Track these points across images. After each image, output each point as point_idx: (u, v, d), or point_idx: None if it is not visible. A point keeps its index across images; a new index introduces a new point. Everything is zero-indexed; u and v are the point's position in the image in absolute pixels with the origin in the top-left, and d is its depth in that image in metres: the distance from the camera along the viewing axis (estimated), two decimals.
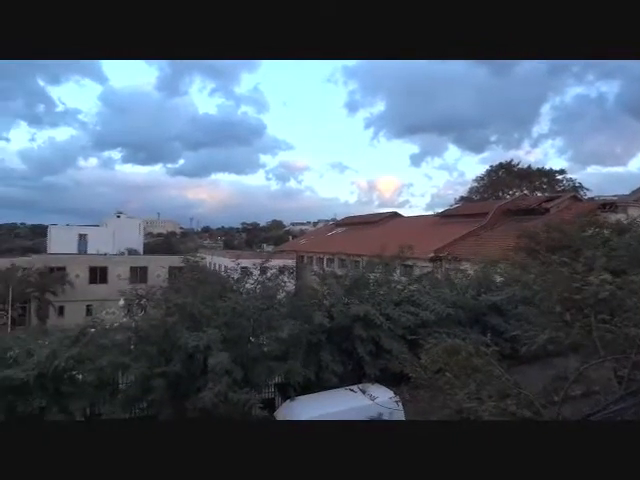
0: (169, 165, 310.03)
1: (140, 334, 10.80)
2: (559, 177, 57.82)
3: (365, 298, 12.86)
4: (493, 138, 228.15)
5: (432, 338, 9.59)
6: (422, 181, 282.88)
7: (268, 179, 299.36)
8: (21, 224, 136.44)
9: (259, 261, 13.76)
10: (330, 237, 51.44)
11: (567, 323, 5.05)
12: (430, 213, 50.29)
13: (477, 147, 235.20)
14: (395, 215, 49.13)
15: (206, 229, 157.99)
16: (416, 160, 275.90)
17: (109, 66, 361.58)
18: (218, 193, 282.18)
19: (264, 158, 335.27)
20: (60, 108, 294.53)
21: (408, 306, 12.78)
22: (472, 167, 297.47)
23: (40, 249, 59.18)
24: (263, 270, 13.24)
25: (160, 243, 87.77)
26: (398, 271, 15.78)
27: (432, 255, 27.77)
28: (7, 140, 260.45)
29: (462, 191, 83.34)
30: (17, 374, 9.15)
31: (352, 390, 9.58)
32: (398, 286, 14.69)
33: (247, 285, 12.62)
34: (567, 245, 13.78)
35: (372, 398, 6.83)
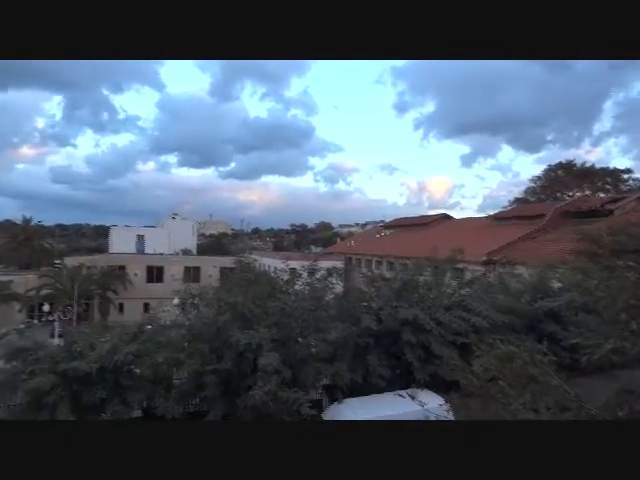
0: (221, 168, 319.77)
1: (193, 332, 11.18)
2: (625, 177, 54.26)
3: (414, 302, 12.65)
4: (550, 137, 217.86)
5: (484, 344, 9.29)
6: (474, 182, 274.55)
7: (317, 181, 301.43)
8: (86, 225, 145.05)
9: (307, 263, 13.87)
10: (379, 239, 51.02)
11: (633, 332, 4.73)
12: (482, 215, 48.73)
13: (533, 146, 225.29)
14: (446, 217, 48.00)
15: (256, 230, 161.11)
16: (467, 161, 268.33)
17: (166, 74, 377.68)
18: (268, 195, 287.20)
19: (313, 160, 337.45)
20: (122, 115, 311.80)
21: (459, 311, 12.44)
22: (527, 167, 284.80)
23: (103, 249, 62.72)
24: (312, 272, 13.32)
25: (212, 244, 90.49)
26: (448, 274, 15.37)
27: (484, 258, 26.87)
28: (75, 146, 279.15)
29: (517, 192, 79.86)
30: (81, 366, 9.75)
31: (401, 395, 9.44)
32: (448, 290, 14.33)
33: (296, 286, 12.75)
34: (634, 249, 12.88)
35: (421, 404, 6.69)
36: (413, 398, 7.15)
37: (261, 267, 32.22)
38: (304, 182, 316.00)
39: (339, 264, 29.22)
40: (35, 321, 35.18)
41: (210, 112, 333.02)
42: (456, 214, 54.20)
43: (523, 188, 63.06)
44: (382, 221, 75.84)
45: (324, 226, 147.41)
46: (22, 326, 31.40)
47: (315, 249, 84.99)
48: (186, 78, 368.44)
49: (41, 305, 33.50)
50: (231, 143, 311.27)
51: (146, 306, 38.27)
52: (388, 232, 52.99)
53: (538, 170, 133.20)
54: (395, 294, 12.97)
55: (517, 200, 58.87)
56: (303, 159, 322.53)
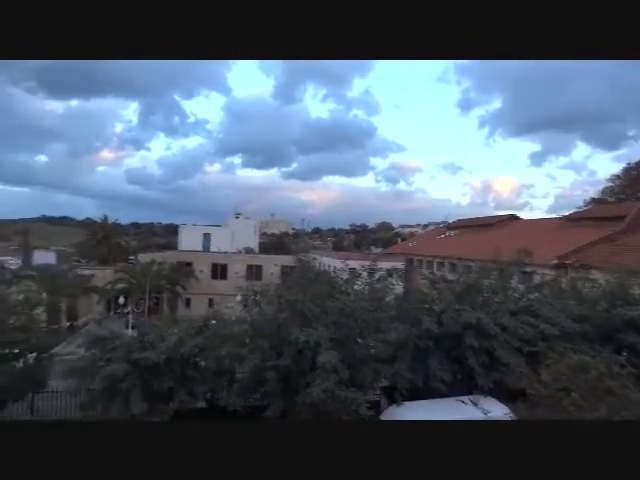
0: (283, 169, 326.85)
1: (255, 328, 11.49)
2: None
3: (478, 305, 12.19)
4: (631, 133, 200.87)
5: (554, 353, 8.77)
6: (544, 181, 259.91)
7: (378, 181, 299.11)
8: (157, 223, 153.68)
9: (367, 263, 13.79)
10: (441, 240, 49.68)
11: None
12: (553, 216, 45.96)
13: (611, 143, 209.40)
14: (513, 218, 45.79)
15: (316, 230, 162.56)
16: (537, 159, 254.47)
17: (233, 78, 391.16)
18: (329, 195, 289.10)
19: (374, 160, 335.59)
20: (191, 119, 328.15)
21: (526, 317, 11.82)
22: (605, 165, 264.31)
23: (172, 246, 66.07)
24: (371, 272, 13.23)
25: (273, 243, 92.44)
26: (515, 278, 14.65)
27: (555, 262, 25.34)
28: (148, 150, 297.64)
29: (593, 192, 74.37)
30: (152, 356, 10.34)
31: (462, 401, 9.15)
32: (515, 294, 13.67)
33: (355, 286, 12.72)
34: None
35: (485, 412, 6.44)
36: (475, 405, 6.91)
37: (321, 266, 32.50)
38: (365, 182, 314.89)
39: (399, 265, 28.80)
40: (111, 313, 37.76)
41: (273, 114, 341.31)
42: (525, 215, 51.57)
43: (600, 188, 58.80)
44: (445, 221, 73.76)
45: (385, 226, 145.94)
46: (101, 317, 33.85)
47: (375, 249, 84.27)
48: (251, 81, 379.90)
49: (117, 298, 35.90)
50: (293, 144, 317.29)
51: (211, 301, 39.84)
52: (451, 233, 51.46)
53: (617, 168, 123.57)
54: (458, 297, 12.57)
55: (593, 200, 54.90)
56: (364, 159, 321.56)
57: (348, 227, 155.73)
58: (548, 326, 11.20)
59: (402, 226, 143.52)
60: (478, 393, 10.86)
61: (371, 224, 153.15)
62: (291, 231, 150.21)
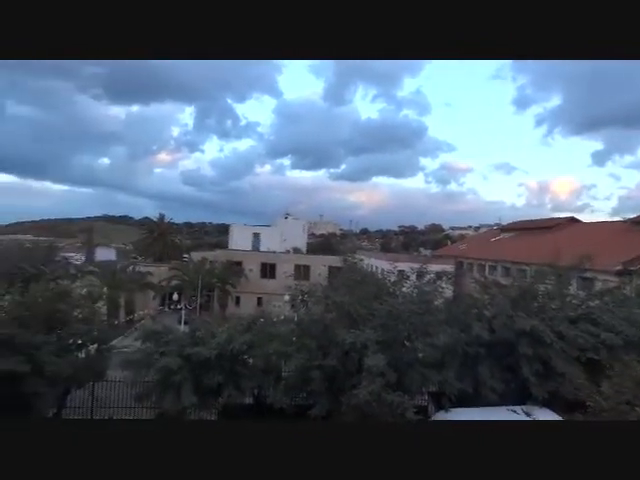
0: (332, 170, 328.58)
1: (302, 327, 11.59)
2: None
3: (533, 312, 11.66)
4: None
5: (617, 364, 8.24)
6: (607, 182, 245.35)
7: (428, 182, 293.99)
8: (209, 223, 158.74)
9: (416, 265, 13.56)
10: (493, 243, 48.00)
11: None
12: (617, 219, 43.23)
13: None
14: (572, 220, 43.50)
15: (364, 231, 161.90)
16: (599, 158, 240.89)
17: (284, 82, 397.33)
18: (377, 196, 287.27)
19: (424, 161, 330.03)
20: (243, 122, 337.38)
21: (586, 325, 11.18)
22: None
23: (223, 245, 67.96)
24: (420, 274, 13.00)
25: (321, 243, 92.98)
26: (574, 284, 13.90)
27: (619, 268, 23.82)
28: (202, 152, 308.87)
29: None
30: (203, 351, 10.67)
31: (514, 411, 8.80)
32: (574, 301, 12.97)
33: (403, 289, 12.55)
34: None
35: None
36: (529, 415, 6.62)
37: (368, 268, 32.31)
38: (415, 183, 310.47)
39: (449, 268, 28.11)
40: (166, 308, 39.37)
41: (323, 116, 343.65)
42: (585, 217, 48.89)
43: None
44: (498, 224, 71.20)
45: (434, 228, 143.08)
46: (156, 312, 35.37)
47: (424, 251, 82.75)
48: (301, 84, 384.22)
49: (171, 294, 37.40)
50: (342, 145, 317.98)
51: (259, 300, 40.65)
52: (505, 235, 49.62)
53: None
54: (511, 302, 12.08)
55: None
56: (414, 160, 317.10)
57: (396, 228, 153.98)
58: (610, 335, 10.54)
59: (452, 228, 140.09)
60: (532, 404, 10.40)
61: (420, 226, 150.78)
62: (339, 232, 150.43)
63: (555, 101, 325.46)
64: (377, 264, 37.81)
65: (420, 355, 10.68)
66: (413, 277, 13.03)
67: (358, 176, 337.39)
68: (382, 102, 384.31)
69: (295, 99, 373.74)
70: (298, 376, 10.72)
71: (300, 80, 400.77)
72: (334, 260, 42.27)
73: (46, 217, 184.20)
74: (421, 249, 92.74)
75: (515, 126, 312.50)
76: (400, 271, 13.57)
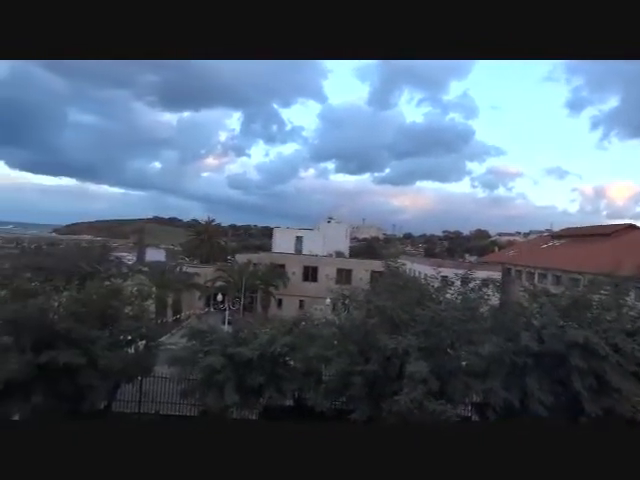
0: (376, 174, 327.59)
1: (343, 331, 11.57)
2: None
3: (586, 323, 11.08)
4: None
5: None
6: None
7: (474, 187, 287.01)
8: (254, 226, 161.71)
9: (461, 271, 13.24)
10: (544, 249, 46.05)
11: None
12: None
13: None
14: (631, 227, 41.06)
15: (408, 236, 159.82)
16: None
17: (329, 87, 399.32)
18: (421, 201, 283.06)
19: (471, 165, 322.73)
20: (288, 127, 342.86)
21: None
22: None
23: (267, 248, 69.00)
24: (465, 281, 12.68)
25: (364, 247, 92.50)
26: (632, 294, 13.10)
27: None
28: (249, 156, 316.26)
29: None
30: (245, 352, 10.88)
31: None
32: (632, 312, 12.22)
33: (447, 295, 12.28)
34: None
35: None
36: None
37: (411, 273, 31.83)
38: (460, 187, 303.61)
39: (496, 275, 27.22)
40: (210, 308, 40.39)
41: (367, 120, 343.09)
42: None
43: None
44: (549, 230, 68.36)
45: (480, 234, 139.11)
46: (201, 312, 36.38)
47: (469, 257, 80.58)
48: (346, 89, 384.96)
49: (215, 295, 38.30)
50: (387, 149, 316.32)
51: (301, 303, 40.95)
52: (557, 242, 47.53)
53: None
54: (562, 312, 11.54)
55: None
56: (460, 164, 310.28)
57: (441, 234, 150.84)
58: None
59: (500, 234, 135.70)
60: (584, 420, 9.89)
61: (466, 231, 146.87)
62: (382, 236, 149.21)
63: (612, 103, 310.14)
64: (420, 269, 37.20)
65: (464, 363, 10.40)
66: (457, 283, 12.72)
67: (402, 180, 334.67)
68: (427, 106, 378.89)
69: (340, 103, 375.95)
70: (339, 380, 10.70)
71: (345, 85, 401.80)
72: (376, 264, 41.92)
73: (102, 218, 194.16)
74: (466, 255, 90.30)
75: (568, 129, 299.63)
76: (444, 277, 13.29)
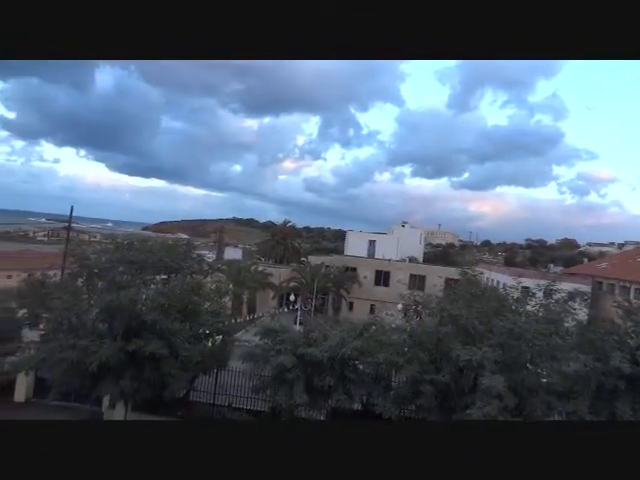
0: (454, 178, 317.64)
1: (414, 338, 11.33)
2: None
3: None
4: None
5: None
6: None
7: (561, 192, 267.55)
8: (327, 229, 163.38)
9: (544, 282, 12.44)
10: None
11: None
12: None
13: None
14: None
15: (486, 243, 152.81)
16: None
17: (407, 90, 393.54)
18: (502, 206, 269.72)
19: (558, 169, 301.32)
20: (365, 131, 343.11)
21: None
22: None
23: (339, 250, 69.43)
24: (549, 292, 11.90)
25: (438, 254, 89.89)
26: None
27: None
28: (324, 160, 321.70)
29: None
30: (315, 353, 11.03)
31: None
32: None
33: (528, 307, 11.59)
34: None
35: None
36: None
37: (489, 282, 30.39)
38: (545, 193, 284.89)
39: (584, 288, 25.17)
40: (283, 308, 41.41)
41: (446, 123, 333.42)
42: None
43: None
44: None
45: (567, 243, 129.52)
46: (274, 311, 37.43)
47: (554, 268, 75.21)
48: (425, 92, 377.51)
49: (288, 295, 39.20)
50: (466, 153, 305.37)
51: (372, 307, 40.66)
52: None
53: None
54: None
55: None
56: (546, 168, 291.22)
57: (523, 242, 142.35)
58: None
59: (590, 244, 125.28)
60: None
61: (551, 240, 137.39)
62: (458, 242, 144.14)
63: None
64: (499, 278, 35.43)
65: (544, 380, 9.76)
66: (540, 295, 11.96)
67: (482, 185, 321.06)
68: (512, 108, 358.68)
69: (418, 107, 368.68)
70: (408, 388, 10.51)
71: (424, 88, 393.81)
72: (451, 271, 40.56)
73: (186, 218, 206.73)
74: (550, 265, 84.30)
75: None
76: (525, 287, 12.57)
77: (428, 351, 10.74)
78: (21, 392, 15.96)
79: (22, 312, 15.80)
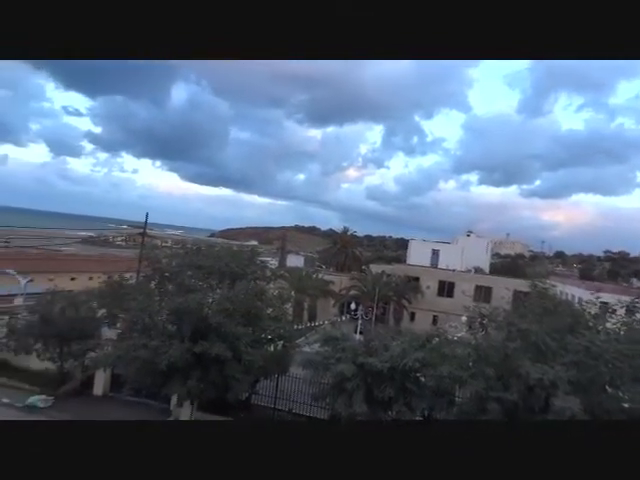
0: (524, 186, 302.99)
1: (479, 353, 10.87)
2: None
3: None
4: None
5: None
6: None
7: None
8: (389, 237, 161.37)
9: (626, 298, 11.50)
10: None
11: None
12: None
13: None
14: None
15: (559, 254, 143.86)
16: None
17: (474, 96, 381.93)
18: (578, 216, 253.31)
19: None
20: (429, 138, 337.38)
21: None
22: None
23: (401, 259, 68.39)
24: (632, 309, 10.98)
25: (506, 265, 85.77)
26: None
27: None
28: (388, 168, 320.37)
29: None
30: (376, 363, 10.89)
31: None
32: None
33: (607, 324, 10.76)
34: None
35: None
36: None
37: (562, 296, 28.57)
38: (629, 202, 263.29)
39: None
40: (344, 316, 41.39)
41: (516, 129, 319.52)
42: None
43: None
44: None
45: None
46: (335, 319, 37.53)
47: (638, 282, 69.32)
48: (493, 97, 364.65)
49: (349, 303, 39.14)
50: (538, 160, 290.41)
51: (435, 318, 39.56)
52: None
53: None
54: None
55: None
56: (629, 175, 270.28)
57: (601, 253, 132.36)
58: None
59: None
60: None
61: (634, 252, 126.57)
62: (527, 253, 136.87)
63: None
64: (573, 292, 33.19)
65: (626, 405, 8.98)
66: (621, 312, 11.06)
67: (555, 193, 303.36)
68: (589, 111, 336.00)
69: (485, 113, 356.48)
70: (473, 404, 10.10)
71: (492, 93, 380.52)
72: (520, 283, 38.53)
73: (251, 225, 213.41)
74: (633, 280, 77.82)
75: None
76: (603, 303, 11.67)
77: (494, 367, 10.26)
78: (99, 387, 17.15)
79: (101, 312, 17.04)
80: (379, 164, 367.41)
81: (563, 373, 8.79)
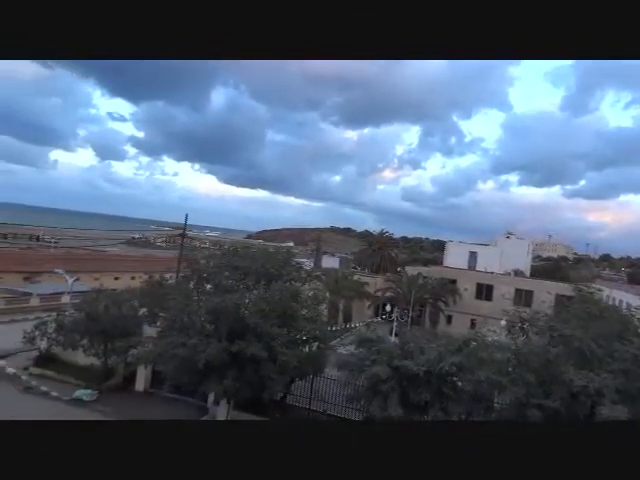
0: (568, 186, 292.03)
1: (519, 358, 10.56)
2: None
3: None
4: None
5: None
6: None
7: None
8: (425, 239, 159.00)
9: None
10: None
11: None
12: None
13: None
14: None
15: (606, 257, 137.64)
16: None
17: (515, 94, 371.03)
18: (627, 217, 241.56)
19: None
20: (468, 139, 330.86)
21: None
22: None
23: (438, 261, 67.26)
24: None
25: (548, 267, 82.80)
26: None
27: None
28: (424, 169, 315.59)
29: None
30: (411, 366, 10.76)
31: None
32: None
33: None
34: None
35: None
36: None
37: (609, 300, 27.35)
38: None
39: None
40: (379, 318, 41.09)
41: (559, 128, 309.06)
42: None
43: None
44: None
45: None
46: (370, 321, 37.33)
47: None
48: (535, 95, 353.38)
49: (384, 305, 38.82)
50: (583, 159, 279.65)
51: (473, 322, 38.67)
52: None
53: None
54: None
55: None
56: None
57: None
58: None
59: None
60: None
61: None
62: (571, 256, 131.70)
63: None
64: (622, 297, 31.69)
65: None
66: None
67: (601, 193, 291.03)
68: (638, 108, 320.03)
69: (526, 111, 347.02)
70: (513, 411, 9.81)
71: (534, 91, 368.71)
72: (563, 287, 37.19)
73: (287, 226, 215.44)
74: None
75: None
76: None
77: (535, 373, 9.93)
78: (141, 383, 17.74)
79: (143, 310, 17.63)
80: (415, 165, 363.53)
81: (610, 381, 8.42)
